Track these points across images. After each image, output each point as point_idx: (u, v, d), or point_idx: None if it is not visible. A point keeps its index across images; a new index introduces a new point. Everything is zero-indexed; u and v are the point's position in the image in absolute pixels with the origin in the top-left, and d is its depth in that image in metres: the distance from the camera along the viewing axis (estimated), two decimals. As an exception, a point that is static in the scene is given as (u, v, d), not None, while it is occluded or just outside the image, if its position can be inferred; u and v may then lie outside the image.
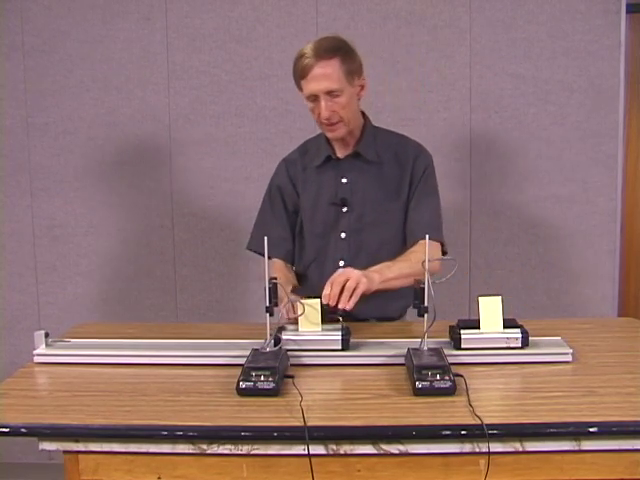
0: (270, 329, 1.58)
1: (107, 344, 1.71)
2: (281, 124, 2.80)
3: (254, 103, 2.82)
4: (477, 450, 1.29)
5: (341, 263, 1.98)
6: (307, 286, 2.00)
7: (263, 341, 1.58)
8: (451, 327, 1.67)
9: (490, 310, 1.63)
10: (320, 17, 2.77)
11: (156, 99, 2.84)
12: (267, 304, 1.58)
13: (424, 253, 1.83)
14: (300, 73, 1.83)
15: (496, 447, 1.29)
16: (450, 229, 2.81)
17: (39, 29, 2.83)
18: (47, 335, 1.70)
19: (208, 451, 1.32)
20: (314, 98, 1.84)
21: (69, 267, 2.94)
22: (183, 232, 2.90)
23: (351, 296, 1.65)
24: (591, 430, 1.27)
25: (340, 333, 1.63)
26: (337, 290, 1.65)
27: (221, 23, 2.80)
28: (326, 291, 1.66)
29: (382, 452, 1.31)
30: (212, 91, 2.83)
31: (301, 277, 2.05)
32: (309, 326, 1.66)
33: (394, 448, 1.31)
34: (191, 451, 1.32)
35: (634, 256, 3.05)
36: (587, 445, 1.31)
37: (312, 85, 1.82)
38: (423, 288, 1.55)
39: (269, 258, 2.04)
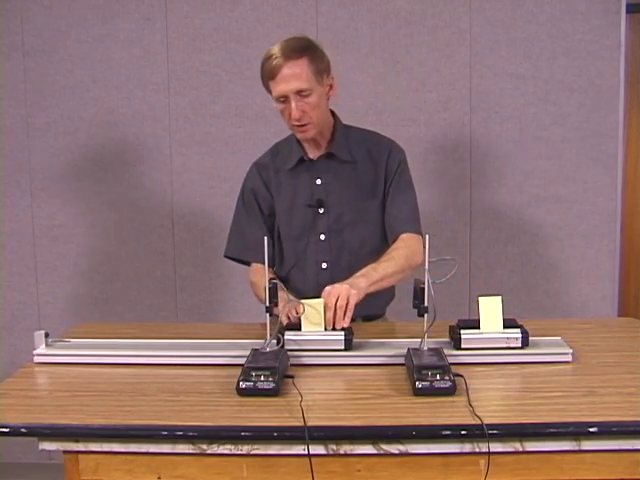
0: (270, 329, 1.58)
1: (107, 344, 1.71)
2: (281, 124, 2.75)
3: (254, 103, 2.82)
4: (477, 450, 1.29)
5: (324, 265, 1.98)
6: (289, 289, 1.98)
7: (263, 341, 1.58)
8: (451, 327, 1.67)
9: (490, 310, 1.63)
10: (320, 17, 2.77)
11: (156, 99, 2.84)
12: (267, 304, 1.58)
13: (405, 248, 1.87)
14: (268, 74, 1.82)
15: (496, 447, 1.28)
16: (450, 229, 2.83)
17: (39, 29, 2.83)
18: (47, 335, 1.70)
19: (208, 451, 1.32)
20: (284, 99, 1.84)
21: (69, 267, 2.94)
22: (183, 232, 2.90)
23: (345, 312, 1.65)
24: (591, 430, 1.27)
25: (343, 333, 1.63)
26: (331, 315, 1.65)
27: (221, 23, 2.80)
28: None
29: (382, 452, 1.31)
30: (212, 91, 2.83)
31: (283, 281, 2.01)
32: (311, 326, 1.65)
33: (394, 448, 1.31)
34: (191, 451, 1.32)
35: (634, 256, 3.05)
36: (587, 445, 1.31)
37: (282, 86, 1.81)
38: (423, 288, 1.55)
39: (249, 263, 2.03)
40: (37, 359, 1.66)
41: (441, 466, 1.33)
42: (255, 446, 1.32)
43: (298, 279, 2.02)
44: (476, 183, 2.82)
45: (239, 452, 1.32)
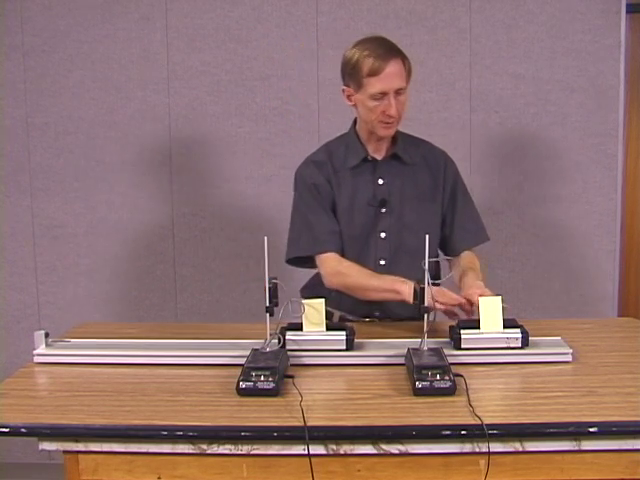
0: (270, 329, 1.58)
1: (107, 344, 1.71)
2: (281, 124, 2.80)
3: (254, 103, 2.82)
4: (477, 450, 1.30)
5: (382, 262, 1.99)
6: None
7: (263, 341, 1.58)
8: (451, 327, 1.67)
9: (490, 310, 1.63)
10: (320, 17, 2.77)
11: (156, 99, 2.84)
12: (267, 304, 1.58)
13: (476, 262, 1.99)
14: (371, 71, 1.83)
15: (496, 447, 1.29)
16: (450, 229, 2.83)
17: (39, 29, 2.83)
18: (47, 335, 1.70)
19: (208, 451, 1.32)
20: (381, 96, 1.85)
21: (69, 267, 2.94)
22: (183, 232, 2.90)
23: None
24: (591, 430, 1.27)
25: (344, 333, 1.63)
26: None
27: (221, 23, 2.79)
28: None
29: (382, 452, 1.31)
30: (212, 91, 2.82)
31: None
32: (312, 326, 1.65)
33: (394, 448, 1.31)
34: (191, 451, 1.32)
35: (634, 256, 3.05)
36: (587, 445, 1.31)
37: (385, 83, 1.83)
38: (423, 288, 1.56)
39: (312, 263, 2.01)
40: (37, 359, 1.66)
41: (441, 466, 1.33)
42: (255, 446, 1.32)
43: None
44: (476, 183, 2.81)
45: (239, 452, 1.32)
